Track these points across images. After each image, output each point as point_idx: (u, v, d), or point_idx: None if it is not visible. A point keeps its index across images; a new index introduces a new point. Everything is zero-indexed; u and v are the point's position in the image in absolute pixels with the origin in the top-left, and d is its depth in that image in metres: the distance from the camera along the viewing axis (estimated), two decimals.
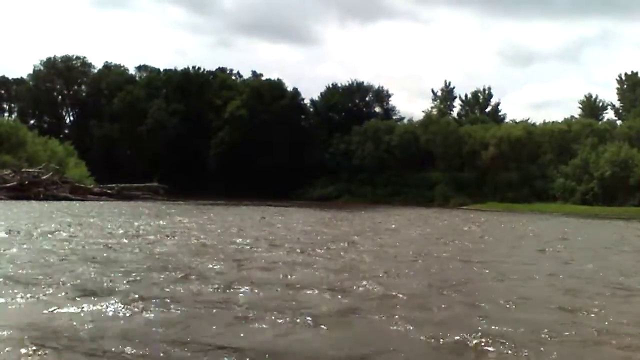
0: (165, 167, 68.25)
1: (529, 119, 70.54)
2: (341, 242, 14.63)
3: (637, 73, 74.27)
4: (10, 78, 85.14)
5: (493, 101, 79.36)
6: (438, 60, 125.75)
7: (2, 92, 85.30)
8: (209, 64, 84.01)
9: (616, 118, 73.06)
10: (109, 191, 43.32)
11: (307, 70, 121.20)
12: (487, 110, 79.01)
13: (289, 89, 78.38)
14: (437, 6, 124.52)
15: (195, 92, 77.73)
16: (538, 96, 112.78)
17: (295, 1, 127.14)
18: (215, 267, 9.43)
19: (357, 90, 79.84)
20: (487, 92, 79.14)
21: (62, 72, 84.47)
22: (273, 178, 66.17)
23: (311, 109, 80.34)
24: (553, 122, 68.17)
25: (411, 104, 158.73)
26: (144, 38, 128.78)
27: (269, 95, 73.94)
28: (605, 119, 71.50)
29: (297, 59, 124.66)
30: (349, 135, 70.69)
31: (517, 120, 71.54)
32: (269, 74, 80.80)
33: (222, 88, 77.89)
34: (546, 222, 31.62)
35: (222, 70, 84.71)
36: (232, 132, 70.76)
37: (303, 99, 79.63)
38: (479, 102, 79.89)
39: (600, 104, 75.61)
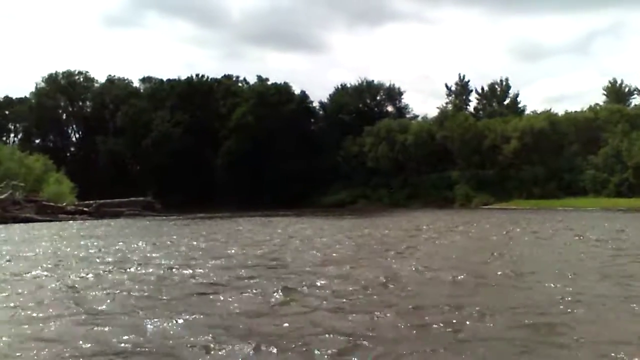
0: (172, 179, 65.87)
1: (550, 109, 66.09)
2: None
3: None
4: (14, 98, 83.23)
5: (511, 92, 75.01)
6: (449, 60, 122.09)
7: (7, 112, 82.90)
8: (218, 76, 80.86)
9: None
10: (85, 209, 39.03)
11: (317, 77, 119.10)
12: (505, 102, 74.73)
13: (296, 92, 75.31)
14: (444, 6, 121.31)
15: (200, 101, 74.65)
16: (552, 91, 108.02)
17: (302, 9, 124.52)
18: None
19: (367, 89, 76.44)
20: (504, 83, 74.74)
21: (65, 88, 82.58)
22: (284, 186, 63.49)
23: (320, 112, 77.13)
24: (576, 111, 63.89)
25: (425, 105, 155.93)
26: (153, 54, 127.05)
27: (275, 100, 70.65)
28: (632, 105, 66.95)
29: (307, 66, 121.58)
30: (361, 137, 67.13)
31: (538, 112, 67.23)
32: (277, 81, 77.17)
33: (227, 95, 74.90)
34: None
35: (227, 77, 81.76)
36: (240, 141, 67.76)
37: (312, 102, 76.52)
38: (497, 94, 75.41)
39: (627, 89, 71.01)
